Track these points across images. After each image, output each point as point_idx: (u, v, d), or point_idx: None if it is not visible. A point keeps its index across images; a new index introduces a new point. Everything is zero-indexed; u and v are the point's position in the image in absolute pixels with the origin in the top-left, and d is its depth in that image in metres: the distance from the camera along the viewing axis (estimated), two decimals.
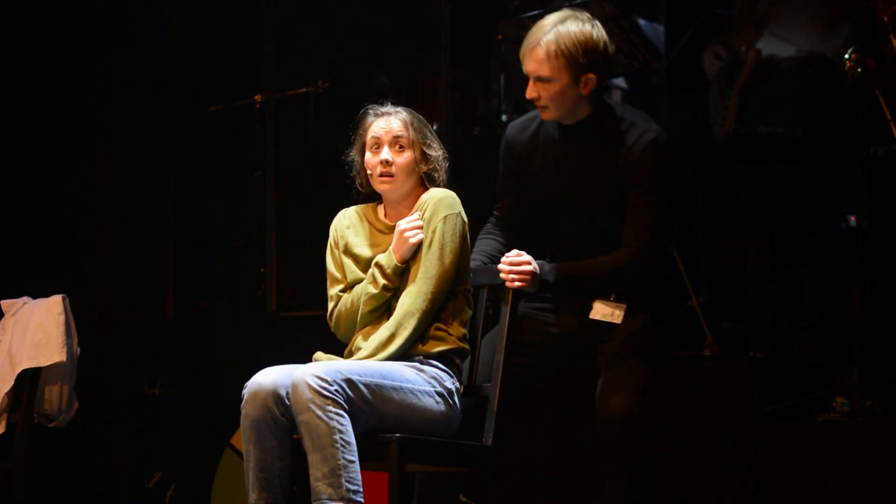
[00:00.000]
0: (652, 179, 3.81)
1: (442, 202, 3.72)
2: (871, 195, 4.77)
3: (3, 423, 4.37)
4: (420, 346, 3.68)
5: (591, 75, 3.80)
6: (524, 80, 3.93)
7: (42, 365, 4.38)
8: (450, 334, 3.70)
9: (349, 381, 3.46)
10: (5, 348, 4.45)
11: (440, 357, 3.68)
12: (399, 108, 3.81)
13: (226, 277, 6.71)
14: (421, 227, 3.70)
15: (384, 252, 3.75)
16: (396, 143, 3.75)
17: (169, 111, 6.64)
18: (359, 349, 3.70)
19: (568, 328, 3.95)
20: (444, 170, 3.81)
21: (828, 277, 5.30)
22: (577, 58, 3.78)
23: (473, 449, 3.66)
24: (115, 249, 6.65)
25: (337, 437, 3.41)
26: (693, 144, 5.77)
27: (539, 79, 3.82)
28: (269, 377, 3.53)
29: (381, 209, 3.86)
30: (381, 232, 3.81)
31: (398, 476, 3.46)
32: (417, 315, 3.65)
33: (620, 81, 5.73)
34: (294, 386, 3.44)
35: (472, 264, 3.94)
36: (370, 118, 3.80)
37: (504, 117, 6.21)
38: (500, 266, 3.78)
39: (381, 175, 3.74)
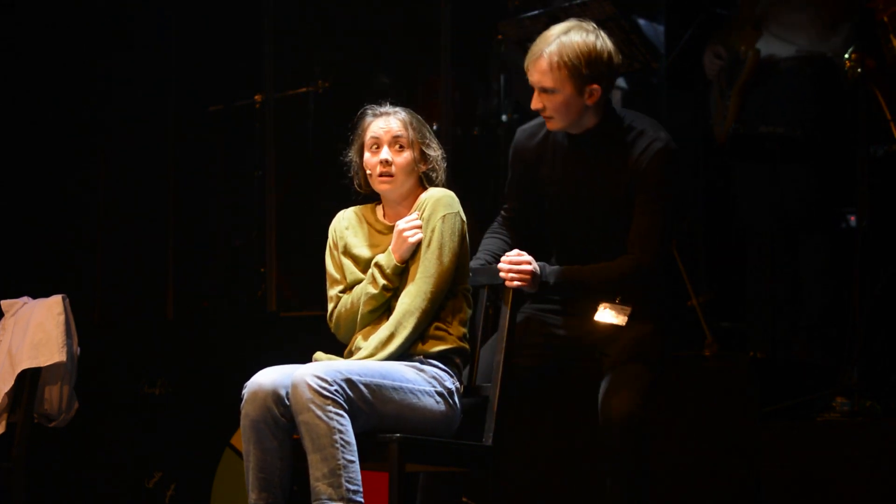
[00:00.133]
0: (659, 188, 3.80)
1: (441, 201, 3.72)
2: (871, 195, 4.77)
3: (3, 423, 4.37)
4: (420, 345, 3.68)
5: (595, 86, 3.78)
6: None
7: (42, 365, 4.38)
8: (450, 334, 3.70)
9: (349, 381, 3.46)
10: (5, 348, 4.45)
11: (440, 357, 3.69)
12: (398, 108, 3.81)
13: (226, 277, 6.71)
14: (420, 227, 3.70)
15: (383, 252, 3.75)
16: (396, 142, 3.75)
17: (169, 111, 6.64)
18: (359, 349, 3.70)
19: (573, 330, 3.95)
20: (442, 170, 3.82)
21: (828, 277, 5.30)
22: (581, 69, 3.76)
23: (473, 449, 3.65)
24: (115, 249, 6.65)
25: (337, 437, 3.41)
26: (693, 144, 5.77)
27: (543, 90, 3.81)
28: (269, 377, 3.53)
29: (379, 210, 3.86)
30: (381, 232, 3.81)
31: (398, 476, 3.46)
32: (417, 314, 3.65)
33: (620, 81, 5.73)
34: (294, 386, 3.44)
35: (476, 263, 3.95)
36: (369, 118, 3.80)
37: (504, 117, 6.21)
38: (500, 265, 3.78)
39: (381, 175, 3.74)
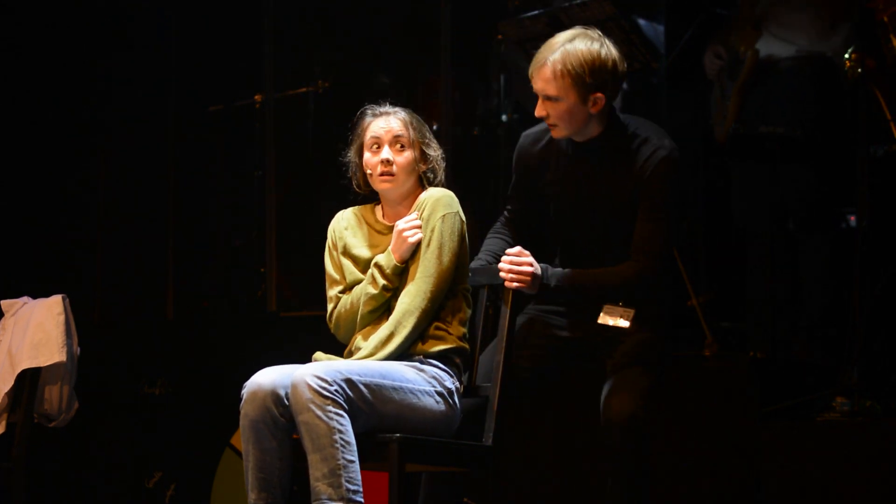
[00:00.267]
0: (662, 196, 3.80)
1: (440, 201, 3.72)
2: (871, 195, 4.77)
3: (3, 423, 4.38)
4: (420, 345, 3.68)
5: (598, 95, 3.77)
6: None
7: (42, 365, 4.38)
8: (449, 333, 3.70)
9: (349, 381, 3.46)
10: (5, 348, 4.45)
11: (440, 356, 3.69)
12: (397, 108, 3.81)
13: (226, 277, 6.71)
14: (419, 227, 3.70)
15: (383, 252, 3.75)
16: (397, 142, 3.75)
17: (169, 111, 6.64)
18: (359, 349, 3.70)
19: (576, 332, 3.95)
20: (442, 170, 3.82)
21: (828, 277, 5.30)
22: (584, 77, 3.74)
23: (473, 449, 3.65)
24: (115, 249, 6.65)
25: (337, 437, 3.41)
26: (693, 144, 5.76)
27: (547, 97, 3.80)
28: (269, 377, 3.53)
29: (378, 210, 3.86)
30: (380, 233, 3.81)
31: (398, 476, 3.46)
32: (417, 313, 3.65)
33: None
34: (294, 386, 3.44)
35: (478, 263, 3.95)
36: (369, 118, 3.80)
37: (504, 117, 6.21)
38: (501, 264, 3.78)
39: (382, 174, 3.74)
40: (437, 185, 3.80)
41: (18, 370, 4.38)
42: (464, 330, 3.75)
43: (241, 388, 3.56)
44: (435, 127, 5.88)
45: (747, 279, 5.49)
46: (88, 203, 6.67)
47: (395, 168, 3.74)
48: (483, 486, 3.89)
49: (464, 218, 3.75)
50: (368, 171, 3.78)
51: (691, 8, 5.96)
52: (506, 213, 4.09)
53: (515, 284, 3.75)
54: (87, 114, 6.58)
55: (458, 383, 3.70)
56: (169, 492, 5.76)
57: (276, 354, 3.95)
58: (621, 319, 3.85)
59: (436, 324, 3.70)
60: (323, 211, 4.02)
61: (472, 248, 3.90)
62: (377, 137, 3.76)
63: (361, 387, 3.48)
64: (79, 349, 4.50)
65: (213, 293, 6.69)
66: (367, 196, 3.86)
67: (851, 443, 4.44)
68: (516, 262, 3.76)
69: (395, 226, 3.73)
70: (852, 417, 4.54)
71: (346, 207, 3.90)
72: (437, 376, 3.65)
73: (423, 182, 3.80)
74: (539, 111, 3.83)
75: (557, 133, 3.85)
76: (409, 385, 3.58)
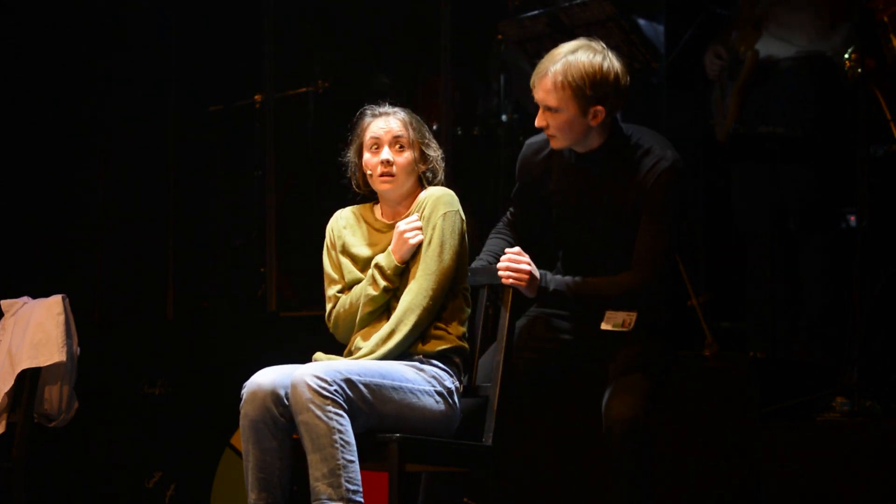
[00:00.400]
0: (664, 207, 3.79)
1: (441, 200, 3.73)
2: (871, 195, 4.77)
3: (3, 423, 4.37)
4: (420, 345, 3.68)
5: (599, 108, 3.75)
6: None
7: (42, 365, 4.38)
8: (449, 333, 3.70)
9: (349, 381, 3.46)
10: (5, 348, 4.45)
11: (439, 356, 3.69)
12: (397, 108, 3.81)
13: (226, 277, 6.71)
14: (420, 228, 3.70)
15: (382, 251, 3.75)
16: (396, 142, 3.75)
17: (169, 111, 6.64)
18: (358, 349, 3.70)
19: (579, 335, 3.95)
20: (441, 169, 3.82)
21: (828, 277, 5.30)
22: (584, 90, 3.72)
23: (473, 449, 3.65)
24: (115, 249, 6.65)
25: (336, 437, 3.41)
26: (693, 144, 5.77)
27: (547, 108, 3.79)
28: (268, 377, 3.53)
29: (377, 209, 3.86)
30: (379, 231, 3.81)
31: (398, 476, 3.46)
32: (418, 311, 3.65)
33: None
34: (293, 386, 3.44)
35: (479, 263, 3.95)
36: (368, 118, 3.80)
37: (504, 117, 6.22)
38: (500, 263, 3.78)
39: (382, 175, 3.74)
40: (437, 185, 3.80)
41: (18, 370, 4.38)
42: (463, 329, 3.75)
43: (241, 388, 3.56)
44: (435, 127, 5.88)
45: (747, 279, 5.49)
46: (88, 203, 6.67)
47: (394, 169, 3.74)
48: (483, 486, 3.89)
49: (464, 217, 3.75)
50: (368, 172, 3.78)
51: (691, 8, 5.96)
52: (508, 215, 4.09)
53: (511, 281, 3.75)
54: (87, 114, 6.58)
55: (457, 383, 3.70)
56: (169, 492, 5.76)
57: (276, 354, 3.95)
58: (623, 324, 3.85)
59: (436, 323, 3.70)
60: (323, 211, 4.02)
61: (472, 247, 3.90)
62: (377, 138, 3.76)
63: (361, 387, 3.48)
64: (79, 349, 4.50)
65: (213, 293, 6.69)
66: (366, 196, 3.85)
67: (851, 443, 4.44)
68: (514, 261, 3.76)
69: (396, 227, 3.73)
70: (852, 417, 4.54)
71: (345, 207, 3.90)
72: (437, 376, 3.65)
73: (422, 182, 3.80)
74: (539, 121, 3.82)
75: (556, 144, 3.84)
76: (409, 385, 3.58)
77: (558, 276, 3.84)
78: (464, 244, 3.74)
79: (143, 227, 6.64)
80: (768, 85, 5.39)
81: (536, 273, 3.78)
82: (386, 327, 3.67)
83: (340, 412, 3.43)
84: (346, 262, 3.80)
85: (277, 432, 3.52)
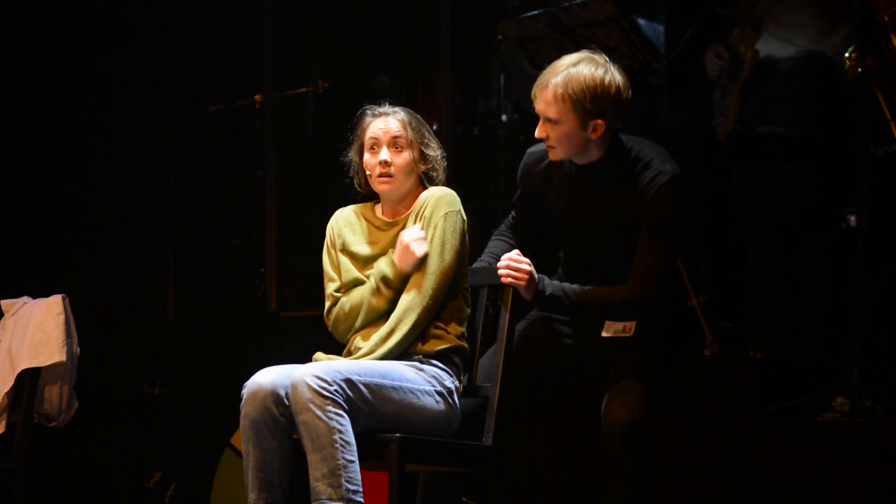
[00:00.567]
0: (663, 221, 3.79)
1: (442, 200, 3.72)
2: (871, 195, 4.77)
3: (3, 423, 4.37)
4: (419, 344, 3.68)
5: (599, 121, 3.74)
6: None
7: (42, 365, 4.38)
8: (448, 332, 3.70)
9: (349, 381, 3.46)
10: (5, 348, 4.45)
11: (439, 356, 3.69)
12: (397, 108, 3.81)
13: (226, 277, 6.71)
14: (424, 239, 3.69)
15: (383, 249, 3.75)
16: (395, 143, 3.75)
17: (169, 111, 6.64)
18: (358, 349, 3.70)
19: (581, 339, 3.95)
20: (442, 169, 3.81)
21: (828, 277, 5.30)
22: (584, 103, 3.71)
23: (473, 449, 3.65)
24: (115, 249, 6.65)
25: (336, 437, 3.41)
26: (693, 144, 5.77)
27: (547, 119, 3.79)
28: (268, 377, 3.53)
29: (378, 207, 3.86)
30: (379, 228, 3.81)
31: (398, 476, 3.46)
32: (418, 310, 3.65)
33: None
34: (293, 386, 3.44)
35: (480, 264, 3.95)
36: (368, 118, 3.80)
37: (504, 117, 6.22)
38: (500, 262, 3.78)
39: (380, 175, 3.74)
40: (437, 185, 3.80)
41: (18, 370, 4.38)
42: (462, 329, 3.74)
43: (241, 388, 3.56)
44: (435, 127, 5.88)
45: (747, 279, 5.49)
46: (88, 203, 6.67)
47: (392, 169, 3.74)
48: (483, 486, 3.89)
49: (465, 217, 3.75)
50: (368, 172, 3.78)
51: (691, 8, 5.96)
52: (510, 218, 4.09)
53: (511, 280, 3.75)
54: (87, 114, 6.59)
55: (457, 383, 3.70)
56: (169, 492, 5.76)
57: (276, 354, 3.95)
58: (624, 330, 3.85)
59: (435, 323, 3.70)
60: (323, 211, 4.02)
61: (473, 247, 3.90)
62: (375, 138, 3.76)
63: (361, 387, 3.48)
64: (79, 349, 4.50)
65: (213, 293, 6.69)
66: (366, 195, 3.85)
67: (851, 443, 4.44)
68: (515, 260, 3.76)
69: (400, 237, 3.71)
70: (852, 417, 4.54)
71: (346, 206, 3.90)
72: (437, 376, 3.65)
73: (423, 182, 3.80)
74: (539, 132, 3.81)
75: (555, 155, 3.84)
76: (409, 385, 3.58)
77: (556, 282, 3.84)
78: (464, 244, 3.74)
79: (143, 227, 6.64)
80: (768, 85, 5.39)
81: (535, 275, 3.78)
82: (385, 327, 3.67)
83: (340, 412, 3.43)
84: (344, 261, 3.80)
85: (277, 432, 3.52)
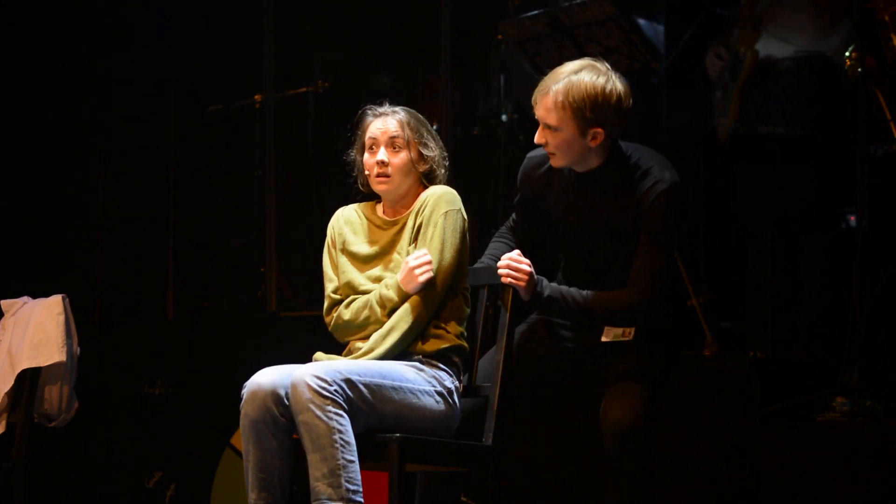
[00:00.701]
0: (661, 228, 3.79)
1: (442, 198, 3.72)
2: (871, 195, 4.77)
3: (3, 423, 4.37)
4: (419, 344, 3.68)
5: (598, 130, 3.73)
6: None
7: (42, 365, 4.38)
8: (447, 332, 3.70)
9: (349, 381, 3.46)
10: (5, 348, 4.45)
11: (439, 356, 3.68)
12: (396, 108, 3.80)
13: (226, 277, 6.71)
14: (429, 263, 3.68)
15: (383, 248, 3.75)
16: (392, 143, 3.75)
17: (169, 111, 6.64)
18: (358, 348, 3.70)
19: (581, 342, 3.95)
20: (443, 168, 3.81)
21: (828, 277, 5.30)
22: (584, 111, 3.70)
23: (473, 449, 3.65)
24: (115, 249, 6.65)
25: (336, 437, 3.41)
26: (693, 144, 5.77)
27: (547, 126, 3.78)
28: (269, 377, 3.53)
29: (379, 207, 3.86)
30: (380, 228, 3.81)
31: (398, 476, 3.46)
32: (418, 309, 3.65)
33: None
34: (293, 386, 3.44)
35: (480, 265, 3.94)
36: (368, 118, 3.80)
37: (504, 117, 6.22)
38: (500, 262, 3.78)
39: (378, 175, 3.74)
40: (438, 185, 3.80)
41: (18, 370, 4.38)
42: (461, 329, 3.74)
43: (241, 388, 3.56)
44: (435, 127, 5.88)
45: (747, 279, 5.49)
46: (88, 203, 6.67)
47: (389, 169, 3.74)
48: (483, 486, 3.89)
49: (465, 216, 3.75)
50: (367, 172, 3.78)
51: (691, 8, 5.96)
52: (511, 220, 4.09)
53: (510, 280, 3.75)
54: (87, 114, 6.59)
55: (457, 382, 3.70)
56: (169, 492, 5.76)
57: (276, 354, 3.95)
58: (624, 334, 3.85)
59: (435, 322, 3.70)
60: (323, 211, 4.02)
61: (472, 247, 3.90)
62: (374, 138, 3.76)
63: (361, 387, 3.48)
64: (79, 349, 4.50)
65: (213, 293, 6.69)
66: (368, 195, 3.85)
67: (851, 443, 4.44)
68: (515, 260, 3.77)
69: (405, 262, 3.69)
70: (852, 417, 4.54)
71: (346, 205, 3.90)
72: (437, 376, 3.65)
73: (423, 181, 3.80)
74: (539, 138, 3.81)
75: (555, 162, 3.83)
76: (409, 385, 3.58)
77: (554, 284, 3.84)
78: (465, 243, 3.74)
79: (143, 227, 6.64)
80: (768, 85, 5.39)
81: (535, 276, 3.78)
82: (385, 326, 3.67)
83: (340, 412, 3.43)
84: (342, 262, 3.79)
85: (278, 432, 3.52)
